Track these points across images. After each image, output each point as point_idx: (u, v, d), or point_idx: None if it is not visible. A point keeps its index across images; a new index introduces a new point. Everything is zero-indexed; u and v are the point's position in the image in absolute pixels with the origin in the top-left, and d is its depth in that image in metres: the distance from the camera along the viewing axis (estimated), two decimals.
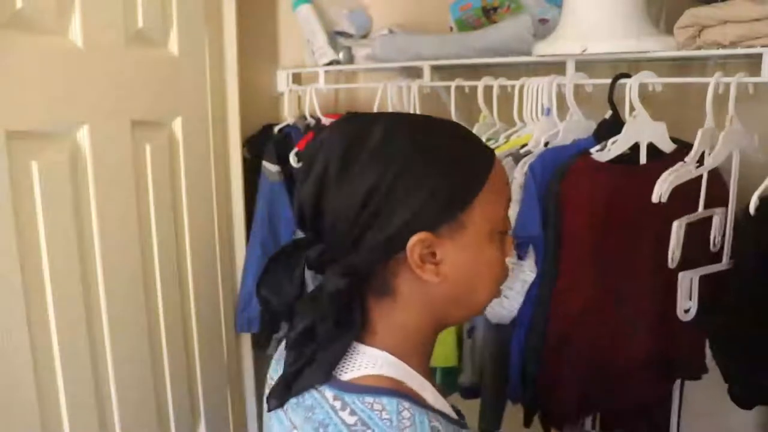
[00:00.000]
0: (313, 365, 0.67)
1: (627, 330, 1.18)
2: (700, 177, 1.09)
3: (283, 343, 0.75)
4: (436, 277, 0.66)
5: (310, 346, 0.68)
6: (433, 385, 0.71)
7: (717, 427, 1.45)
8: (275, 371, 0.75)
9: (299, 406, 0.67)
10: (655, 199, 1.04)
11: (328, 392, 0.65)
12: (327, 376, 0.66)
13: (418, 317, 0.70)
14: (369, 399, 0.63)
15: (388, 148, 0.65)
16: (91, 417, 1.23)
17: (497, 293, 0.74)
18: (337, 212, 0.65)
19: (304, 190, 0.67)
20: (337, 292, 0.65)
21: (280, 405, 0.69)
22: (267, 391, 0.75)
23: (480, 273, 0.69)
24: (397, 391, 0.64)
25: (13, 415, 1.08)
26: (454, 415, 0.70)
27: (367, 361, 0.67)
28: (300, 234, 0.73)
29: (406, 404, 0.63)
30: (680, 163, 1.08)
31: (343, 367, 0.66)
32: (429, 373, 0.73)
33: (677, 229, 1.06)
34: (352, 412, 0.63)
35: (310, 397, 0.67)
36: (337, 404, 0.64)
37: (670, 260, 1.07)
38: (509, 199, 0.72)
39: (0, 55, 1.03)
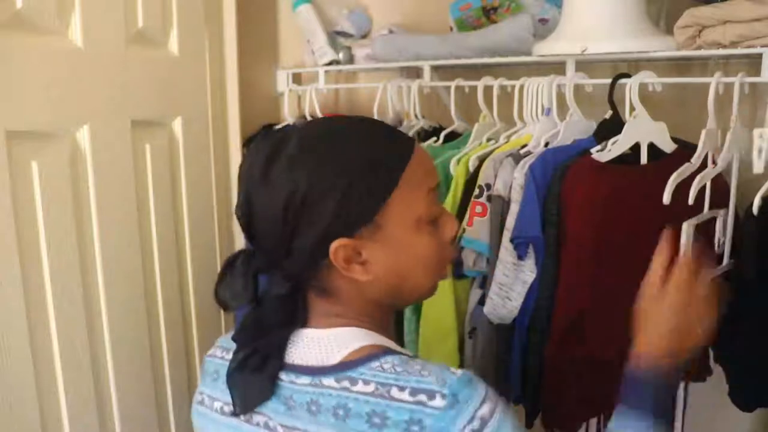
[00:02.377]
0: (269, 364, 0.71)
1: (628, 330, 1.17)
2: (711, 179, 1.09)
3: (211, 360, 0.80)
4: (365, 276, 0.69)
5: (261, 342, 0.72)
6: None
7: (718, 428, 1.45)
8: (205, 385, 0.78)
9: (294, 408, 0.68)
10: (666, 200, 1.03)
11: (326, 380, 0.67)
12: (278, 368, 0.70)
13: (363, 305, 0.73)
14: (374, 364, 0.66)
15: (301, 157, 0.67)
16: (91, 417, 1.23)
17: (443, 275, 0.76)
18: (264, 221, 0.69)
19: (238, 201, 0.72)
20: (281, 297, 0.71)
21: (249, 408, 0.71)
22: (196, 405, 0.79)
23: (411, 265, 0.72)
24: (389, 349, 0.69)
25: (13, 414, 1.08)
26: None
27: (341, 341, 0.70)
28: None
29: (404, 357, 0.67)
30: (687, 165, 1.08)
31: (325, 353, 0.69)
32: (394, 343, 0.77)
33: (687, 229, 1.05)
34: (366, 382, 0.65)
35: (304, 395, 0.68)
36: (345, 383, 0.66)
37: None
38: (434, 185, 0.73)
39: (0, 55, 1.03)
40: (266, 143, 0.70)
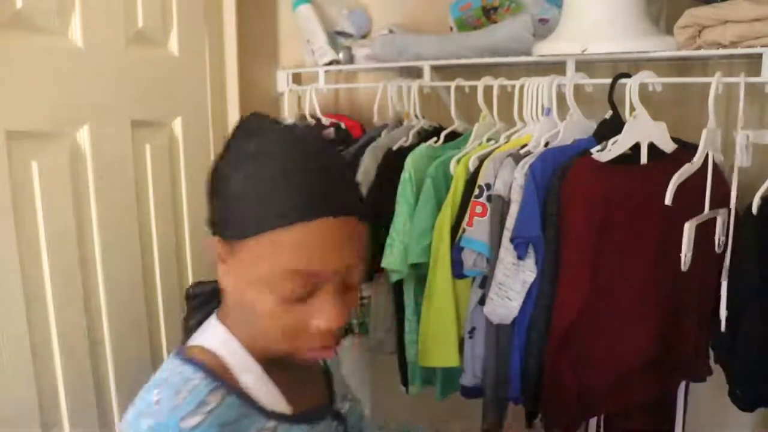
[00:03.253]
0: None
1: (628, 330, 1.18)
2: (704, 178, 1.09)
3: None
4: (222, 282, 0.72)
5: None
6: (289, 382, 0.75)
7: (718, 428, 1.45)
8: None
9: None
10: (668, 201, 1.04)
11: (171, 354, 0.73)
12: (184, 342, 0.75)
13: (241, 327, 0.73)
14: (177, 362, 0.69)
15: (242, 150, 0.69)
16: (91, 417, 1.23)
17: (306, 358, 0.70)
18: None
19: None
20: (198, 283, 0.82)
21: None
22: None
23: (253, 315, 0.68)
24: (208, 366, 0.69)
25: (13, 414, 1.08)
26: (284, 411, 0.73)
27: (206, 334, 0.74)
28: None
29: (202, 375, 0.67)
30: (687, 165, 1.08)
31: (196, 335, 0.75)
32: (292, 379, 0.76)
33: (689, 230, 1.06)
34: (162, 370, 0.70)
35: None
36: (163, 365, 0.71)
37: (683, 263, 1.07)
38: (321, 275, 0.66)
39: (0, 55, 1.03)
40: (239, 127, 0.74)
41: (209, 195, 0.71)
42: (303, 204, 0.64)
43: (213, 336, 0.73)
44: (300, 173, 0.65)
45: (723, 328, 1.13)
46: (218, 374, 0.69)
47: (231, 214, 0.67)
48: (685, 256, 1.07)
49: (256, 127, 0.70)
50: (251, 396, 0.70)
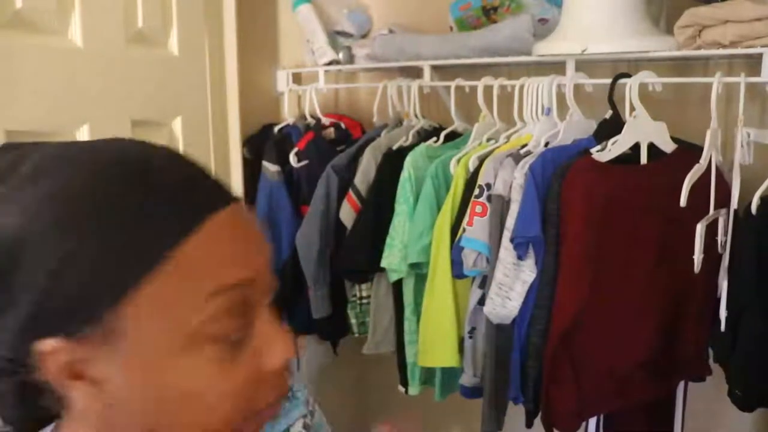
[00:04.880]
0: None
1: (628, 330, 1.18)
2: (704, 178, 1.09)
3: None
4: (95, 402, 0.42)
5: None
6: None
7: (718, 428, 1.45)
8: None
9: None
10: (683, 203, 1.04)
11: None
12: None
13: None
14: None
15: (14, 195, 0.41)
16: None
17: (257, 428, 0.46)
18: None
19: None
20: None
21: None
22: None
23: (174, 407, 0.42)
24: None
25: None
26: None
27: None
28: None
29: None
30: (697, 166, 1.08)
31: None
32: None
33: (700, 231, 1.06)
34: None
35: None
36: None
37: (696, 265, 1.07)
38: (247, 277, 0.43)
39: (0, 55, 1.03)
40: None
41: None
42: (199, 193, 0.44)
43: None
44: (145, 190, 0.42)
45: (723, 327, 1.13)
46: None
47: (85, 280, 0.40)
48: (698, 258, 1.07)
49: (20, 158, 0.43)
50: None
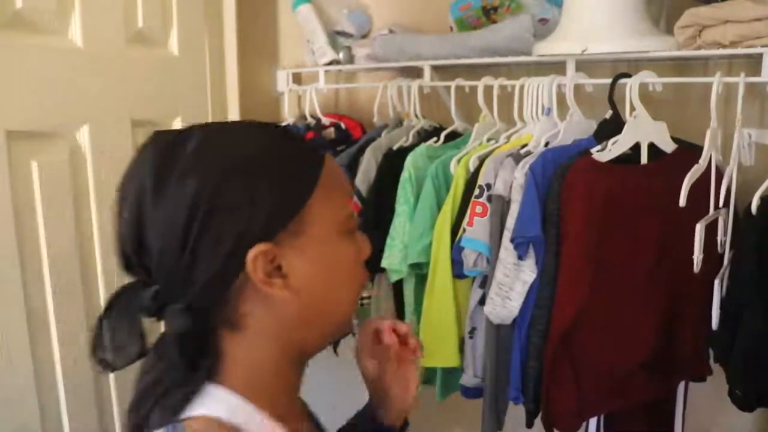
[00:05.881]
0: (157, 412, 0.59)
1: (628, 330, 1.18)
2: (704, 178, 1.09)
3: None
4: (286, 292, 0.60)
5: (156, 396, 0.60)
6: (305, 417, 0.71)
7: (718, 428, 1.45)
8: None
9: None
10: (682, 203, 1.04)
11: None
12: (170, 418, 0.58)
13: (271, 350, 0.62)
14: None
15: (203, 159, 0.58)
16: (90, 415, 1.23)
17: (357, 299, 0.68)
18: (161, 241, 0.57)
19: (121, 224, 0.59)
20: (182, 335, 0.58)
21: None
22: None
23: (334, 278, 0.64)
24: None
25: (14, 413, 1.08)
26: None
27: (206, 402, 0.59)
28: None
29: None
30: (697, 166, 1.08)
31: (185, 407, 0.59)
32: (292, 409, 0.68)
33: (700, 232, 1.05)
34: None
35: None
36: None
37: (695, 265, 1.07)
38: (350, 196, 0.72)
39: (0, 55, 1.03)
40: (154, 150, 0.59)
41: (208, 231, 0.57)
42: (312, 146, 0.66)
43: (212, 403, 0.59)
44: (277, 127, 0.66)
45: (714, 326, 1.13)
46: None
47: (269, 202, 0.58)
48: (697, 258, 1.07)
49: (169, 146, 0.60)
50: None
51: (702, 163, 1.09)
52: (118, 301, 0.59)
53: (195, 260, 0.57)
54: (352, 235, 0.66)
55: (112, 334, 0.59)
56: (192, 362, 0.59)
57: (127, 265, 0.61)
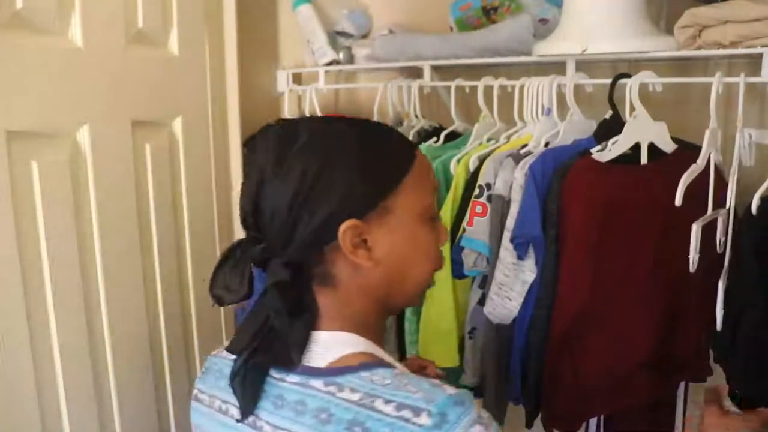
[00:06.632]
0: (275, 358, 0.71)
1: (628, 330, 1.18)
2: (704, 178, 1.09)
3: (217, 359, 0.80)
4: (369, 262, 0.71)
5: (267, 342, 0.72)
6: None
7: None
8: (205, 383, 0.79)
9: (282, 407, 0.69)
10: (678, 202, 1.04)
11: (315, 381, 0.68)
12: (296, 362, 0.70)
13: (361, 303, 0.73)
14: (365, 374, 0.67)
15: (312, 145, 0.70)
16: (91, 414, 1.23)
17: (432, 280, 0.79)
18: (273, 208, 0.70)
19: (245, 191, 0.73)
20: (280, 283, 0.70)
21: (251, 411, 0.71)
22: (193, 401, 0.80)
23: (412, 256, 0.74)
24: (381, 360, 0.70)
25: (13, 413, 1.08)
26: None
27: (334, 344, 0.71)
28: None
29: (396, 371, 0.68)
30: (694, 166, 1.08)
31: (317, 354, 0.70)
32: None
33: (696, 232, 1.05)
34: (353, 390, 0.66)
35: (293, 393, 0.69)
36: (332, 389, 0.67)
37: (691, 265, 1.07)
38: (435, 188, 0.78)
39: (0, 55, 1.03)
40: (275, 134, 0.72)
41: (311, 201, 0.69)
42: (407, 139, 0.78)
43: (347, 342, 0.71)
44: (374, 121, 0.79)
45: (718, 327, 1.13)
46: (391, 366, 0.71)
47: (365, 184, 0.70)
48: (693, 257, 1.07)
49: (295, 126, 0.73)
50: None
51: (700, 162, 1.09)
52: (233, 252, 0.73)
53: (295, 227, 0.69)
54: (433, 222, 0.76)
55: (227, 276, 0.73)
56: (292, 310, 0.70)
57: (245, 222, 0.73)
